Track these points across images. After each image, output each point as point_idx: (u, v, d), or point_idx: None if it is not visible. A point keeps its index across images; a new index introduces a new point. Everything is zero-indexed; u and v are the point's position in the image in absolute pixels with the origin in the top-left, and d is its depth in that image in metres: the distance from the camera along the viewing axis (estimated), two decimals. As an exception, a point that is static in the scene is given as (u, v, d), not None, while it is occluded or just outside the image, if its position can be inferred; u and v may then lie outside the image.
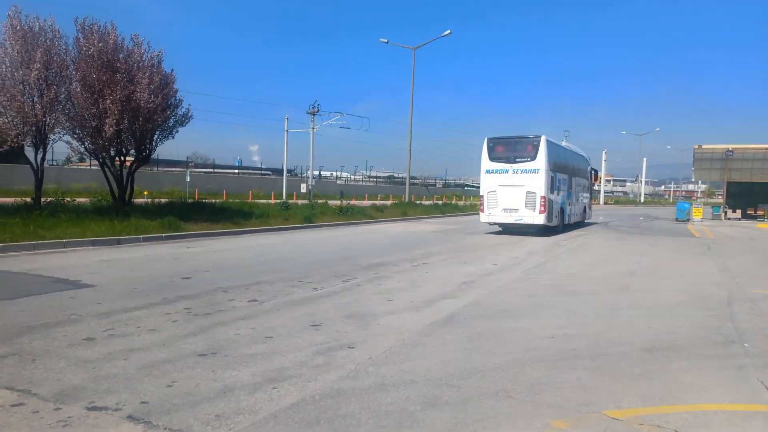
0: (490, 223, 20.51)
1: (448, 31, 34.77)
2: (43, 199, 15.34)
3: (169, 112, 16.50)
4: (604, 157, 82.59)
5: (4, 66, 13.83)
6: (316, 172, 65.86)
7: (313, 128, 43.79)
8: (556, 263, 11.88)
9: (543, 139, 19.02)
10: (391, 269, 10.27)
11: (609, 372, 4.69)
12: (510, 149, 19.62)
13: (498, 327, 6.15)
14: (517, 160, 19.29)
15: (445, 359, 4.91)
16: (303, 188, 43.91)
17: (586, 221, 27.07)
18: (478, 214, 20.60)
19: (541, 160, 18.82)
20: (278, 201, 29.86)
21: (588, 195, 27.45)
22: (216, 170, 59.19)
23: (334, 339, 5.46)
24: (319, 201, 31.46)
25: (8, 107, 13.74)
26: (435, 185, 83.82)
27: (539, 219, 18.76)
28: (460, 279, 9.35)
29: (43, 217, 13.60)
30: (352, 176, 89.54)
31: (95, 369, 4.43)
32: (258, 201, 29.97)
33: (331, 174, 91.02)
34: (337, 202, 28.01)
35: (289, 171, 51.27)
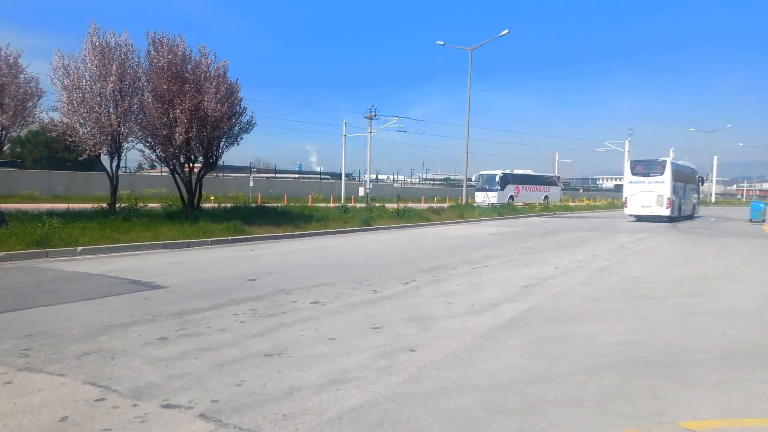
0: (630, 215, 30.10)
1: (506, 31, 34.16)
2: (117, 205, 16.18)
3: (234, 120, 17.04)
4: (671, 155, 78.73)
5: (84, 80, 14.74)
6: (373, 176, 66.37)
7: (370, 132, 44.23)
8: (622, 266, 11.47)
9: (668, 161, 29.27)
10: (450, 272, 10.21)
11: (683, 380, 4.49)
12: (646, 167, 29.64)
13: (563, 332, 6.00)
14: (651, 174, 29.07)
15: (508, 364, 4.84)
16: (360, 191, 44.38)
17: (694, 216, 34.71)
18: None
19: (668, 175, 28.61)
20: (337, 204, 30.29)
21: (697, 196, 36.21)
22: (277, 175, 60.69)
23: (396, 342, 5.48)
24: (377, 204, 31.65)
25: (87, 118, 14.65)
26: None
27: (665, 212, 28.47)
28: (522, 282, 9.18)
29: (118, 221, 14.35)
30: (409, 179, 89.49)
31: (169, 367, 4.63)
32: (317, 204, 30.49)
33: (388, 177, 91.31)
34: (394, 205, 28.12)
35: (347, 175, 51.92)
